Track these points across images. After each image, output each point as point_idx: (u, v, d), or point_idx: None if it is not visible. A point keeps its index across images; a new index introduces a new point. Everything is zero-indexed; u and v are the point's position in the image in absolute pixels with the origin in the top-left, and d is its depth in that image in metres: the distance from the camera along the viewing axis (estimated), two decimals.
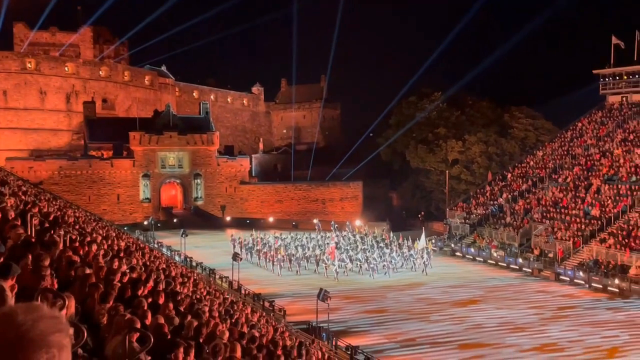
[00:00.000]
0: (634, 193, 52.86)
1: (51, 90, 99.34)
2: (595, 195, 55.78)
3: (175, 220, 78.08)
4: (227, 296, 27.07)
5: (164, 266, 23.26)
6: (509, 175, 69.61)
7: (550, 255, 50.54)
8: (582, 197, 56.42)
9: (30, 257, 6.50)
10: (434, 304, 39.35)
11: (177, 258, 48.93)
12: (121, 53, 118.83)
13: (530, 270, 50.44)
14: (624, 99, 71.61)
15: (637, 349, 29.61)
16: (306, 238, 59.32)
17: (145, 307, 7.91)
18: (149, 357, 5.86)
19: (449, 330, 33.03)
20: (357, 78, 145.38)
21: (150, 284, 11.17)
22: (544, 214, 56.85)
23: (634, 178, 55.46)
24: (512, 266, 52.51)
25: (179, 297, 12.57)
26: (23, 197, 20.94)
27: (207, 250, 58.46)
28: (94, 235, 18.83)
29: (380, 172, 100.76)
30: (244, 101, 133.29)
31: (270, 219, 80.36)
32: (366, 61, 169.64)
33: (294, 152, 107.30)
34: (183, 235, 53.96)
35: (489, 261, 55.03)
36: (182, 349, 6.69)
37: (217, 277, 44.65)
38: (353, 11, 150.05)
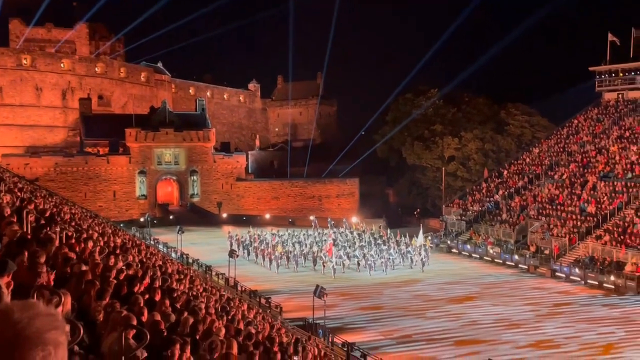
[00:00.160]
0: (630, 190, 52.99)
1: (47, 87, 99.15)
2: (591, 192, 55.91)
3: (171, 217, 78.06)
4: (224, 293, 27.08)
5: (160, 263, 23.24)
6: (505, 172, 69.71)
7: (546, 252, 50.65)
8: (578, 194, 56.54)
9: (26, 254, 6.49)
10: (430, 301, 39.41)
11: (173, 255, 48.91)
12: (117, 49, 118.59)
13: (526, 267, 50.55)
14: (620, 96, 71.75)
15: (632, 345, 29.71)
16: (303, 235, 59.33)
17: (142, 304, 7.91)
18: (146, 354, 5.86)
19: (445, 327, 33.08)
20: (353, 75, 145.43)
21: (147, 280, 11.17)
22: (540, 211, 56.96)
23: (629, 175, 55.59)
24: (508, 263, 52.62)
25: (176, 294, 12.57)
26: (19, 193, 20.90)
27: (203, 247, 58.42)
28: (90, 232, 18.79)
29: (376, 169, 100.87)
30: (241, 98, 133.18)
31: (267, 216, 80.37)
32: (362, 58, 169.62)
33: (290, 149, 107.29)
34: (179, 232, 53.93)
35: (485, 258, 55.14)
36: (178, 346, 6.70)
37: (214, 274, 44.64)
38: (350, 8, 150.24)
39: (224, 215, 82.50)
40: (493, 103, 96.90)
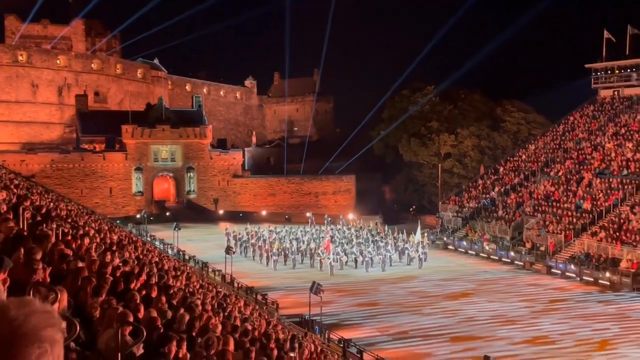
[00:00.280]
0: (625, 187, 53.12)
1: (43, 83, 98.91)
2: (587, 188, 56.03)
3: (168, 214, 78.03)
4: (220, 289, 27.08)
5: (157, 259, 23.24)
6: (501, 169, 69.78)
7: (542, 248, 50.75)
8: (574, 191, 56.65)
9: (22, 250, 6.50)
10: (426, 297, 39.49)
11: (169, 251, 48.88)
12: (113, 46, 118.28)
13: (522, 264, 50.66)
14: (616, 93, 71.85)
15: (627, 342, 29.83)
16: (301, 232, 59.26)
17: (138, 301, 7.92)
18: (142, 350, 5.88)
19: (441, 323, 33.17)
20: (350, 72, 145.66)
21: (143, 277, 11.17)
22: (536, 208, 57.07)
23: (625, 172, 55.71)
24: (504, 259, 52.71)
25: (172, 291, 12.58)
26: (15, 190, 20.88)
27: (200, 243, 58.42)
28: (87, 228, 18.78)
29: (373, 166, 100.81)
30: (237, 94, 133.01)
31: (263, 213, 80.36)
32: (359, 55, 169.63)
33: (286, 146, 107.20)
34: (176, 229, 53.90)
35: (481, 254, 55.23)
36: (175, 342, 6.71)
37: (210, 270, 44.65)
38: (346, 5, 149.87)
39: (221, 211, 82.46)
40: (489, 100, 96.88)
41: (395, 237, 55.96)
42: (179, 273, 21.63)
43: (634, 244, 44.46)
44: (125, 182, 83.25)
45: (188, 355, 7.23)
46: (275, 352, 12.57)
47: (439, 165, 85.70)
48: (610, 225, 48.53)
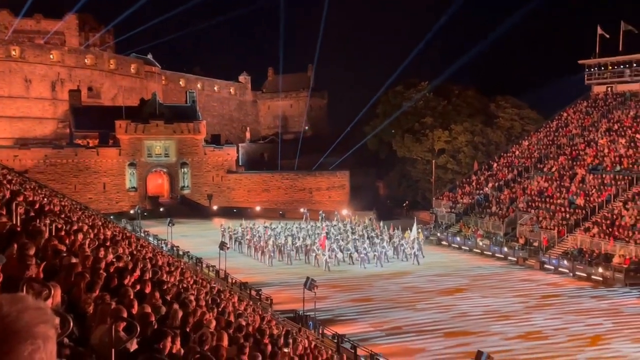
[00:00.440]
0: (618, 183, 53.34)
1: (36, 78, 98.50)
2: (580, 184, 56.21)
3: (161, 209, 77.88)
4: (214, 285, 27.09)
5: (151, 255, 23.21)
6: (495, 165, 69.93)
7: (535, 244, 50.91)
8: (567, 187, 56.84)
9: (15, 246, 6.48)
10: (420, 293, 39.57)
11: (163, 247, 48.81)
12: (107, 41, 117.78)
13: (515, 259, 50.81)
14: (609, 89, 72.06)
15: (620, 337, 29.96)
16: (296, 228, 59.14)
17: (132, 296, 7.92)
18: (136, 346, 5.87)
19: (435, 319, 33.24)
20: (344, 67, 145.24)
21: (137, 273, 11.17)
22: (529, 203, 57.23)
23: (618, 168, 55.91)
24: (497, 255, 52.87)
25: (166, 286, 12.57)
26: (8, 185, 20.81)
27: (193, 239, 58.32)
28: (80, 224, 18.75)
29: (367, 162, 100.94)
30: (231, 90, 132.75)
31: (257, 208, 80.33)
32: (353, 51, 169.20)
33: (281, 141, 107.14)
34: (170, 224, 53.81)
35: (475, 250, 55.37)
36: (170, 339, 6.70)
37: (204, 266, 44.59)
38: (340, 0, 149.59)
39: (215, 207, 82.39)
40: (483, 96, 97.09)
41: (390, 234, 55.84)
42: (172, 269, 21.62)
43: (627, 239, 44.64)
44: (118, 178, 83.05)
45: (182, 351, 7.22)
46: (269, 347, 12.59)
47: (433, 161, 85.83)
48: (603, 221, 48.70)
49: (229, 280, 39.96)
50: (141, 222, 64.36)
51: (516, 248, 51.60)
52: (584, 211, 51.46)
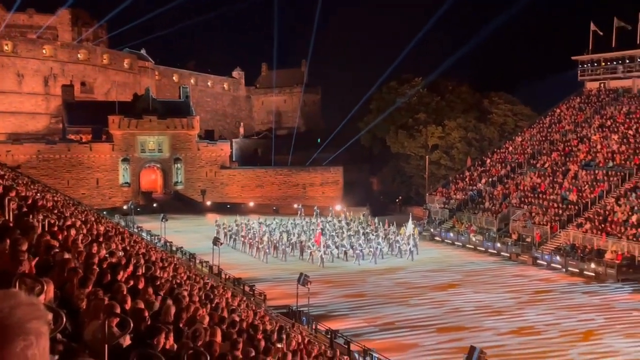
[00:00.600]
0: (611, 179, 53.55)
1: (29, 73, 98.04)
2: (573, 180, 56.40)
3: (155, 205, 77.71)
4: (208, 281, 27.06)
5: (144, 251, 23.18)
6: (488, 161, 70.07)
7: (528, 239, 51.09)
8: (560, 183, 57.02)
9: (7, 241, 6.46)
10: (413, 288, 39.68)
11: (157, 243, 48.75)
12: (100, 36, 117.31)
13: (508, 255, 50.98)
14: (602, 85, 72.29)
15: (612, 332, 30.16)
16: (291, 224, 59.09)
17: (125, 292, 7.90)
18: (129, 342, 5.87)
19: (428, 314, 33.36)
20: (337, 63, 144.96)
21: (130, 268, 11.15)
22: (522, 199, 57.40)
23: (610, 164, 56.13)
24: (490, 250, 53.02)
25: (159, 282, 12.57)
26: (1, 181, 20.73)
27: (187, 234, 58.29)
28: (73, 219, 18.67)
29: (360, 157, 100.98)
30: (225, 85, 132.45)
31: (251, 204, 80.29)
32: (347, 46, 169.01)
33: (274, 137, 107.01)
34: (163, 220, 53.78)
35: (468, 245, 55.51)
36: (163, 334, 6.70)
37: (198, 261, 44.57)
38: None
39: (208, 203, 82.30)
40: (476, 92, 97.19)
41: (385, 230, 55.81)
42: (166, 264, 21.59)
43: (619, 235, 44.85)
44: (112, 173, 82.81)
45: (175, 347, 7.22)
46: (263, 343, 12.59)
47: (427, 157, 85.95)
48: (596, 216, 48.91)
49: (223, 276, 39.97)
50: (134, 218, 64.28)
51: (509, 244, 51.76)
52: (576, 207, 51.65)
